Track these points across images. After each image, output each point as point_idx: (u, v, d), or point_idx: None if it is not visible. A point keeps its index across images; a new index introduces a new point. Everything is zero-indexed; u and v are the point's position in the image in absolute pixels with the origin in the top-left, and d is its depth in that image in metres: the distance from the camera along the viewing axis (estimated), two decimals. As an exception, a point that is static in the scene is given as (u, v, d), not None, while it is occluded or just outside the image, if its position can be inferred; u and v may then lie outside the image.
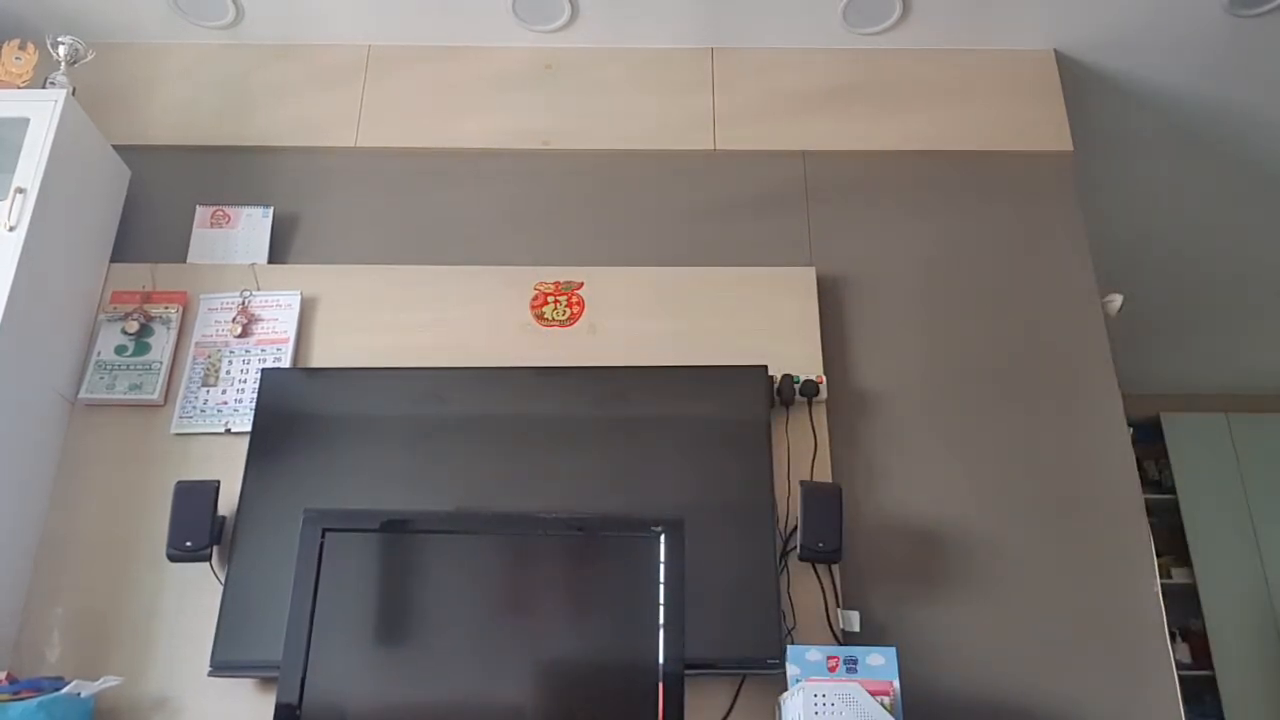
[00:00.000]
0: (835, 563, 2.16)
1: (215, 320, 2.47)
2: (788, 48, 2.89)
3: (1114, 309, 2.74)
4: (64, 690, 1.92)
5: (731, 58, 2.88)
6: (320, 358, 2.44)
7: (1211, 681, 4.34)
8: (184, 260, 2.57)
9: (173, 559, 2.12)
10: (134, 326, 2.43)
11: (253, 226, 2.62)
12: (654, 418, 2.28)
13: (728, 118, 2.80)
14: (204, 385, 2.39)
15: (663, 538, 1.76)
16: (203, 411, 2.36)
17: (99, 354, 2.41)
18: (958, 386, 2.45)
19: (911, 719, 2.00)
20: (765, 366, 2.34)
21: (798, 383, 2.35)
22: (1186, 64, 2.92)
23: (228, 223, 2.63)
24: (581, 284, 2.53)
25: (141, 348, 2.42)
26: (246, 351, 2.43)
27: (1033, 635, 2.19)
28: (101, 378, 2.38)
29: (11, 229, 2.18)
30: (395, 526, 1.79)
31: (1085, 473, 2.36)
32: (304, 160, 2.75)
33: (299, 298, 2.49)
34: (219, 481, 2.17)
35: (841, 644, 2.12)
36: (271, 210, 2.63)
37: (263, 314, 2.47)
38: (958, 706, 2.12)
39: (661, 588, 1.72)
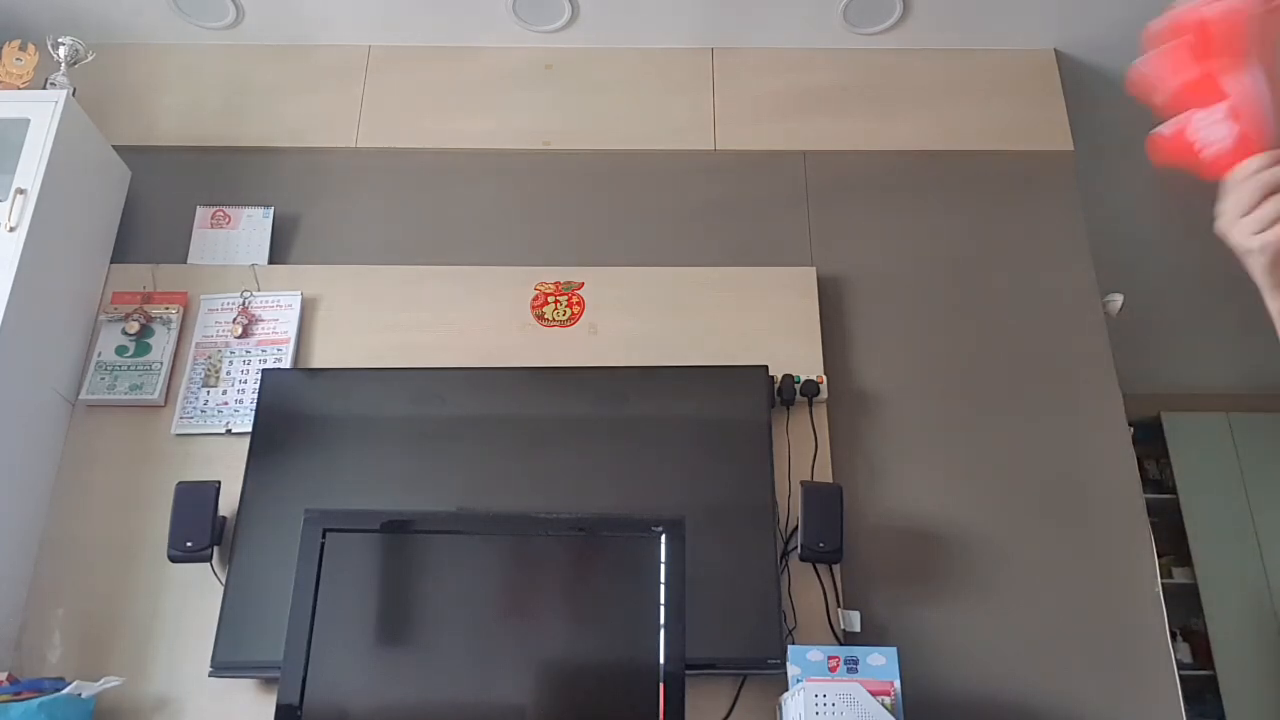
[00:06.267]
0: (836, 563, 2.16)
1: (216, 321, 2.47)
2: (788, 48, 2.88)
3: (1114, 309, 2.74)
4: (65, 691, 1.92)
5: (731, 58, 2.88)
6: (321, 358, 2.44)
7: (1212, 681, 4.33)
8: (184, 261, 2.57)
9: (173, 560, 2.12)
10: (134, 327, 2.43)
11: (253, 227, 2.62)
12: (654, 418, 2.28)
13: (728, 118, 2.80)
14: (205, 386, 2.39)
15: (663, 538, 1.76)
16: (203, 412, 2.36)
17: (99, 355, 2.41)
18: (958, 386, 2.45)
19: (912, 719, 2.00)
20: (765, 367, 2.33)
21: (798, 383, 2.35)
22: (1187, 64, 2.92)
23: (228, 223, 2.63)
24: (582, 284, 2.53)
25: (142, 348, 2.42)
26: (247, 352, 2.43)
27: (1033, 635, 2.19)
28: (102, 378, 2.38)
29: (12, 230, 2.18)
30: (396, 527, 1.79)
31: (1086, 473, 2.36)
32: (304, 160, 2.75)
33: (299, 298, 2.49)
34: (220, 482, 2.17)
35: (842, 644, 2.12)
36: (272, 211, 2.63)
37: (263, 315, 2.47)
38: (958, 706, 2.12)
39: (662, 588, 1.72)
